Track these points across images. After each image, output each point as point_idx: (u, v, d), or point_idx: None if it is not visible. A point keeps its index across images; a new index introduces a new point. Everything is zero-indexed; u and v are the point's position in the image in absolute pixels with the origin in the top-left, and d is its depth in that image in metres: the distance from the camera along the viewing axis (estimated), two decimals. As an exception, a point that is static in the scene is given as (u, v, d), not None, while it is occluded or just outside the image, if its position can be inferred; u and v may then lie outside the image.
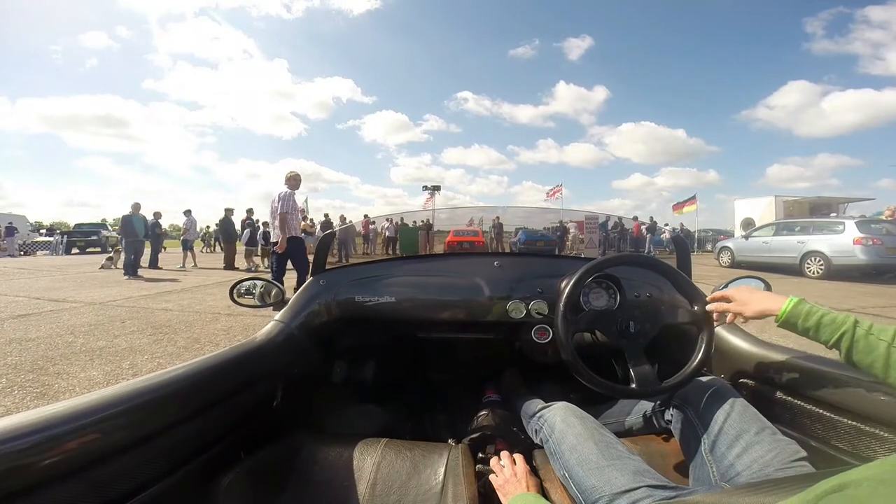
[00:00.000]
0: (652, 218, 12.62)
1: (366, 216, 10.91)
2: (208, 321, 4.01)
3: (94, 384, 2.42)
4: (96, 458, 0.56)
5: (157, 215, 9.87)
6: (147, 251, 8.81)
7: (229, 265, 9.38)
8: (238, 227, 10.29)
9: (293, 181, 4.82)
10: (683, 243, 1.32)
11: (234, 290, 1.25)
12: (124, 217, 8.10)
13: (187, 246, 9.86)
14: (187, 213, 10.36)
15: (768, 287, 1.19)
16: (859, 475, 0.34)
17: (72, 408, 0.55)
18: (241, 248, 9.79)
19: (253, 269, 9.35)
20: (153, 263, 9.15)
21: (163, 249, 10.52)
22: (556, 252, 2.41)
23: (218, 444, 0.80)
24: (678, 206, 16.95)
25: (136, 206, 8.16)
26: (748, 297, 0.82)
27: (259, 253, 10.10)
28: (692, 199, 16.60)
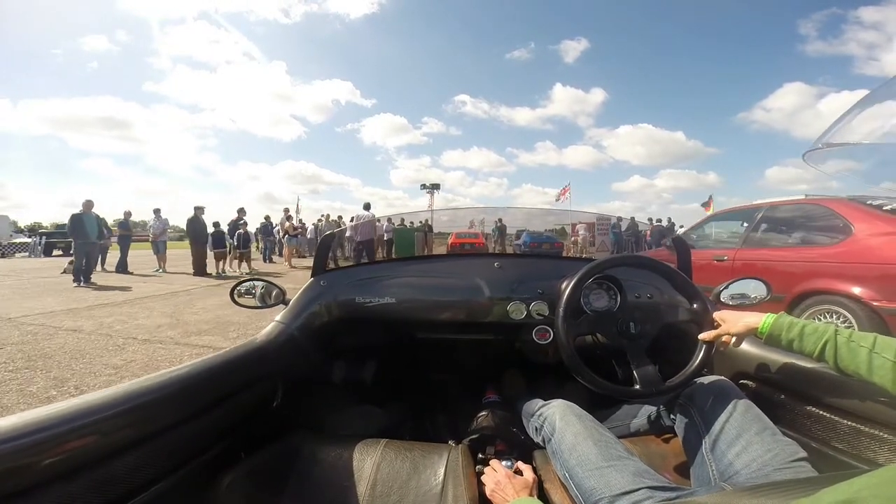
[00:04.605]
0: (670, 219, 12.23)
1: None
2: (110, 351, 3.13)
3: None
4: (96, 458, 0.56)
5: (128, 214, 9.14)
6: (116, 253, 8.23)
7: (199, 271, 8.23)
8: (224, 227, 9.31)
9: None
10: (684, 244, 1.32)
11: (235, 291, 1.26)
12: (73, 216, 6.89)
13: (158, 248, 8.84)
14: (157, 212, 9.09)
15: (769, 287, 1.19)
16: (865, 488, 0.34)
17: (72, 408, 0.55)
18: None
19: (224, 275, 8.31)
20: (121, 267, 8.32)
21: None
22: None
23: (218, 445, 0.80)
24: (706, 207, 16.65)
25: (89, 204, 7.12)
26: (732, 317, 0.87)
27: (237, 256, 9.15)
28: (709, 202, 16.34)
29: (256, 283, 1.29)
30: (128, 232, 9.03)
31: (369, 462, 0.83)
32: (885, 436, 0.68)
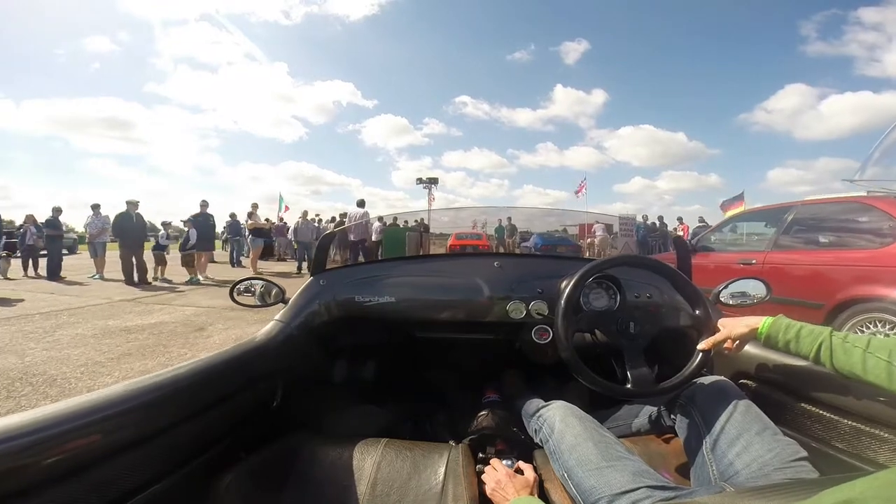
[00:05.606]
0: (701, 218, 11.37)
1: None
2: None
3: None
4: (96, 458, 0.56)
5: (58, 211, 7.78)
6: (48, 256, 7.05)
7: (130, 279, 6.71)
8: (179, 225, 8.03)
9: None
10: (684, 244, 1.32)
11: (234, 290, 1.26)
12: None
13: (96, 251, 7.52)
14: (95, 209, 7.59)
15: (769, 287, 1.19)
16: (867, 490, 0.34)
17: (72, 408, 0.55)
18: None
19: (161, 280, 7.08)
20: (51, 273, 7.29)
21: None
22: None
23: (218, 444, 0.80)
24: (728, 206, 13.42)
25: None
26: (730, 321, 0.88)
27: (183, 262, 7.38)
28: (740, 200, 13.04)
29: (255, 282, 1.29)
30: (57, 232, 7.76)
31: (369, 462, 0.83)
32: (886, 435, 0.68)
